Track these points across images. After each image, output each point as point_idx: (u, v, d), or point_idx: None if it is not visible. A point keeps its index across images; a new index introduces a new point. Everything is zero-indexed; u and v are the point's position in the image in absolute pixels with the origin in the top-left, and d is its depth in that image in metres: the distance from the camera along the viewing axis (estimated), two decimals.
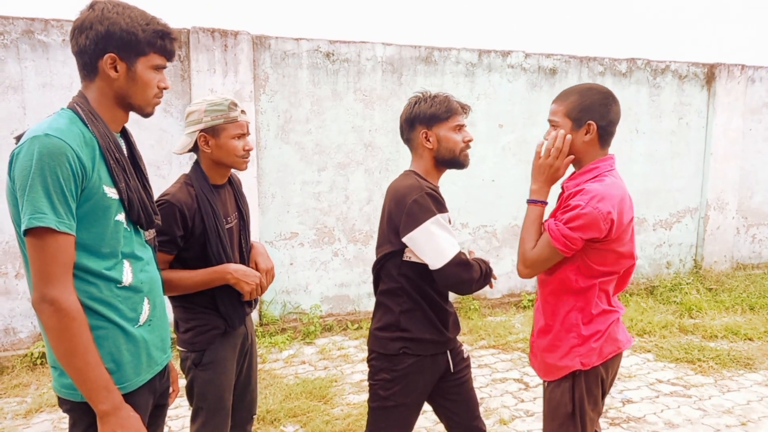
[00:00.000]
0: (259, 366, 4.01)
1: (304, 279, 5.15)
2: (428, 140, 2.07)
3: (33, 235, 1.35)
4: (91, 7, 1.51)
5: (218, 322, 2.12)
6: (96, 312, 1.46)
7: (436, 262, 1.93)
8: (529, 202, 2.03)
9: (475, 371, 4.16)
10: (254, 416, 2.38)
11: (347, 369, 4.30)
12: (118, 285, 1.50)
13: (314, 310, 5.09)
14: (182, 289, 2.05)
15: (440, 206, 1.99)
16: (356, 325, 5.16)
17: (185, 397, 2.33)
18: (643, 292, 6.14)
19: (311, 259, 5.16)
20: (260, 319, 4.94)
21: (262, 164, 4.89)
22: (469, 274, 1.95)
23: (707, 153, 6.53)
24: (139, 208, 1.57)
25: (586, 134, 1.93)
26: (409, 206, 1.94)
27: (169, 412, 2.65)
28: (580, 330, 1.93)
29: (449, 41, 13.19)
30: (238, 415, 2.28)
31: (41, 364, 4.21)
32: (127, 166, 1.57)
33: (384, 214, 2.09)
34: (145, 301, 1.58)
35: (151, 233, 1.70)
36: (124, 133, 1.65)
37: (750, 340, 4.85)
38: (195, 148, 2.12)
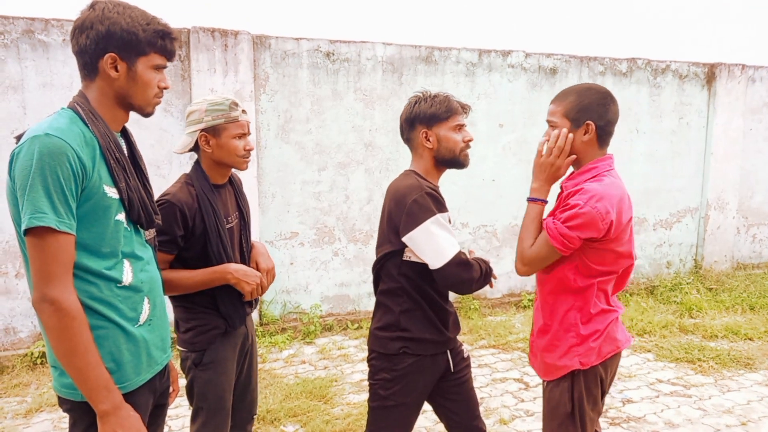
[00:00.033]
0: (260, 366, 4.02)
1: (304, 279, 5.16)
2: (428, 140, 2.07)
3: (33, 234, 1.36)
4: (92, 6, 1.51)
5: (219, 322, 2.12)
6: (96, 311, 1.46)
7: (436, 262, 1.93)
8: (529, 200, 2.03)
9: (475, 371, 4.16)
10: (254, 416, 2.38)
11: (347, 369, 4.30)
12: (119, 285, 1.50)
13: (314, 309, 5.09)
14: (183, 289, 2.05)
15: (440, 206, 1.99)
16: (356, 325, 5.16)
17: (185, 397, 2.34)
18: (643, 291, 6.14)
19: (311, 259, 5.16)
20: (260, 319, 4.94)
21: (262, 164, 4.89)
22: (469, 273, 1.95)
23: (707, 153, 6.53)
24: (140, 208, 1.58)
25: (584, 134, 1.93)
26: (409, 206, 1.94)
27: (169, 412, 2.66)
28: (578, 329, 1.94)
29: (449, 41, 13.20)
30: (239, 415, 2.28)
31: (41, 363, 4.22)
32: (128, 165, 1.57)
33: (384, 214, 2.09)
34: (145, 300, 1.58)
35: (151, 233, 1.70)
36: (125, 133, 1.65)
37: (750, 340, 4.85)
38: (196, 148, 2.12)
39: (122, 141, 1.62)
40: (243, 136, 2.12)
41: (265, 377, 4.06)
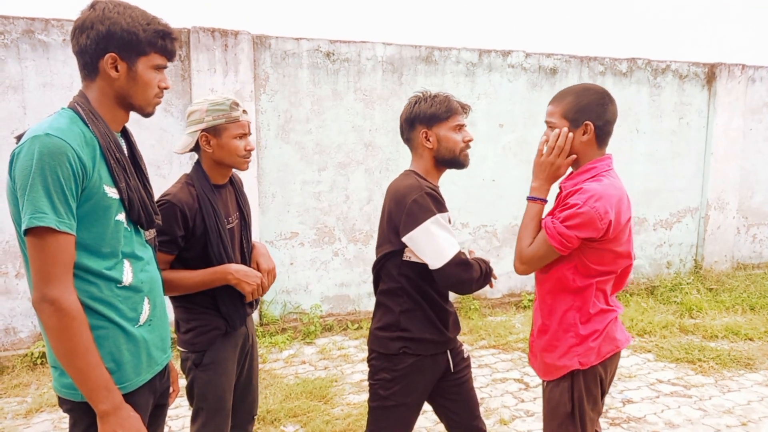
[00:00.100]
0: (260, 366, 4.02)
1: (304, 279, 5.16)
2: (428, 140, 2.07)
3: (33, 234, 1.36)
4: (92, 6, 1.51)
5: (219, 323, 2.11)
6: (96, 312, 1.46)
7: (435, 262, 1.93)
8: (529, 199, 2.03)
9: (475, 371, 4.16)
10: (255, 417, 2.38)
11: (347, 369, 4.30)
12: (119, 285, 1.50)
13: (314, 309, 5.09)
14: (183, 290, 2.05)
15: (440, 206, 1.99)
16: (356, 325, 5.16)
17: (185, 397, 2.34)
18: (643, 292, 6.14)
19: (311, 259, 5.16)
20: (260, 319, 4.94)
21: (262, 164, 4.89)
22: (469, 273, 1.95)
23: (708, 153, 6.53)
24: (140, 208, 1.58)
25: (583, 134, 1.94)
26: (409, 206, 1.94)
27: (169, 412, 2.65)
28: (578, 329, 1.94)
29: (449, 41, 13.20)
30: (239, 415, 2.28)
31: (41, 363, 4.22)
32: (128, 165, 1.57)
33: (384, 214, 2.09)
34: (146, 300, 1.58)
35: (151, 233, 1.70)
36: (125, 133, 1.65)
37: (750, 340, 4.85)
38: (196, 148, 2.12)
39: (122, 141, 1.62)
40: (244, 136, 2.12)
41: (266, 377, 4.06)
